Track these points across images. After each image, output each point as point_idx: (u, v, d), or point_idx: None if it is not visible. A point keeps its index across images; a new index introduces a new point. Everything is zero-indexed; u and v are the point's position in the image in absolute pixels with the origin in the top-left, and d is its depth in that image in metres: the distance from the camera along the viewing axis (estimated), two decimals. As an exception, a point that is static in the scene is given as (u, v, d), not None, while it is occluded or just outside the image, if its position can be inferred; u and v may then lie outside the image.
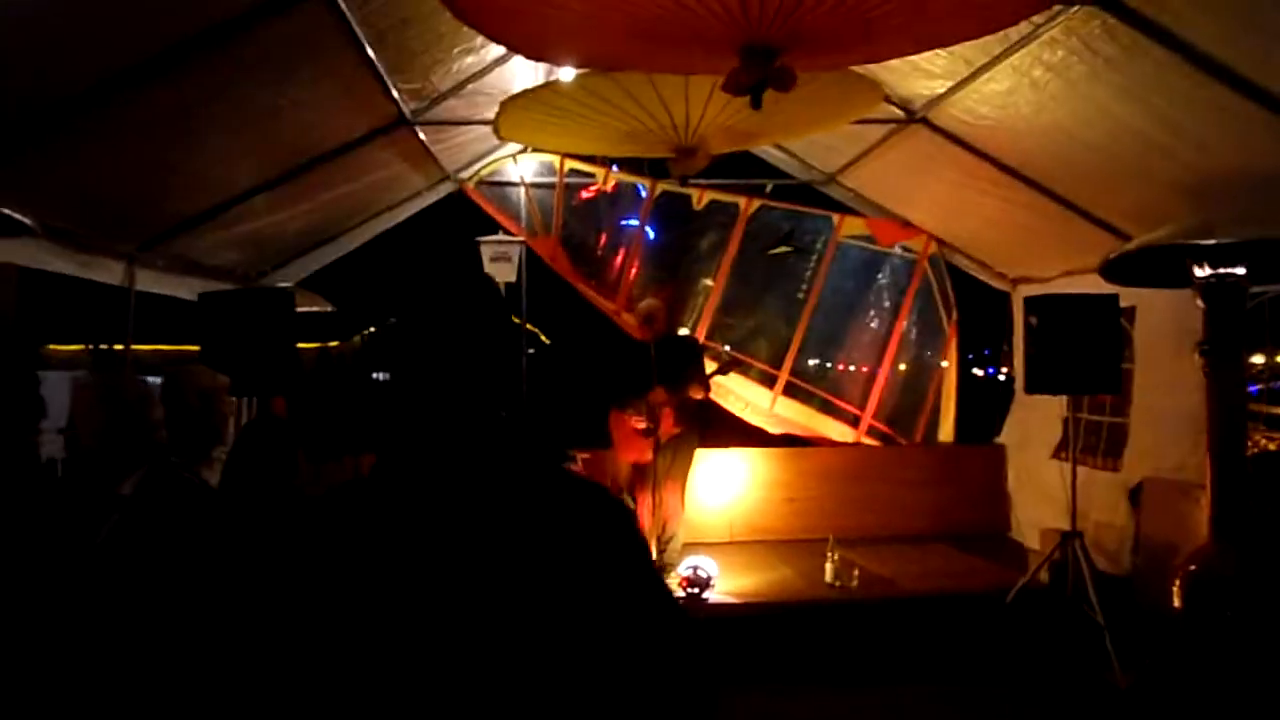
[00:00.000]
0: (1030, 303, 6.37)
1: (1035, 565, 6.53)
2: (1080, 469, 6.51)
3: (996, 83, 5.61)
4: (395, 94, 5.98)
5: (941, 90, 6.09)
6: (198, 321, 5.96)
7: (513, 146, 8.54)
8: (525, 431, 1.60)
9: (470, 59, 5.98)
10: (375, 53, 5.27)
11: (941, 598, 6.62)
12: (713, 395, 6.87)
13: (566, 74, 5.50)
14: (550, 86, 5.04)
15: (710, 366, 7.48)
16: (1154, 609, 5.96)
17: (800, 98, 4.65)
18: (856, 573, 6.82)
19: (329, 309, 7.62)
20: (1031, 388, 6.43)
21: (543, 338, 20.49)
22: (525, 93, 5.16)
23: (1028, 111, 5.73)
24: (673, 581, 6.48)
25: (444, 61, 5.88)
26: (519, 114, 5.23)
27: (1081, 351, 6.13)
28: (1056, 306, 6.26)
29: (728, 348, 8.90)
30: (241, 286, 7.52)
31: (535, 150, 8.65)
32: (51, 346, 12.24)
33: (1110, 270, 5.30)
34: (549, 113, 5.16)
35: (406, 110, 6.33)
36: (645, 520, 6.92)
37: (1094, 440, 7.56)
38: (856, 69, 4.97)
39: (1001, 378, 8.83)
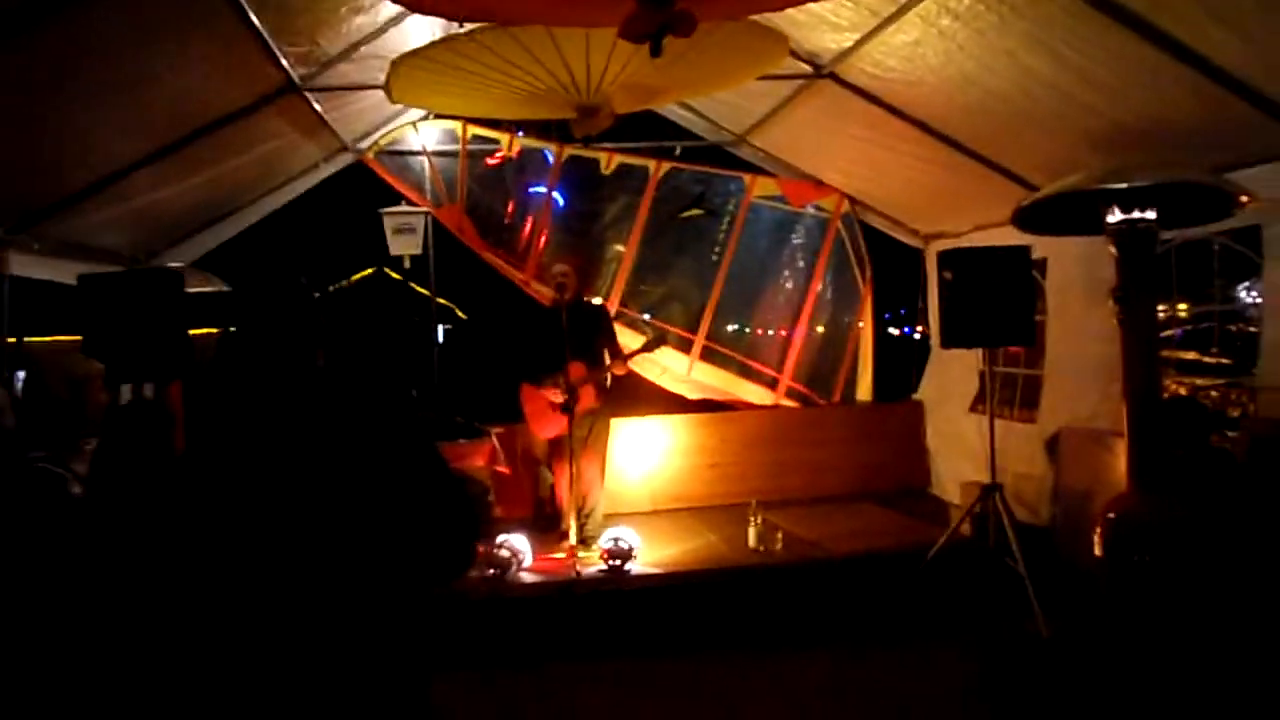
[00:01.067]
0: (943, 257, 6.36)
1: (957, 520, 6.53)
2: (998, 422, 6.52)
3: (904, 33, 5.53)
4: (281, 59, 5.68)
5: (849, 44, 5.99)
6: (77, 307, 5.63)
7: (413, 114, 8.27)
8: (348, 377, 2.32)
9: (360, 19, 5.69)
10: (255, 14, 4.96)
11: (865, 557, 6.59)
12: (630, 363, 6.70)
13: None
14: (444, 43, 4.79)
15: (635, 342, 7.37)
16: (1074, 558, 6.01)
17: (703, 50, 4.55)
18: (780, 536, 6.77)
19: (224, 289, 7.25)
20: (947, 342, 6.43)
21: (458, 312, 20.22)
22: (417, 51, 4.91)
23: (935, 63, 5.66)
24: (594, 555, 6.37)
25: (331, 23, 5.59)
26: (411, 74, 4.99)
27: (995, 304, 6.14)
28: (969, 260, 6.26)
29: (647, 316, 8.79)
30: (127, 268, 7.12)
31: (436, 117, 8.38)
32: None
33: (1022, 218, 5.26)
34: (443, 73, 4.93)
35: (295, 76, 6.04)
36: (563, 494, 6.81)
37: (1010, 393, 7.61)
38: (760, 19, 4.82)
39: (917, 336, 8.75)
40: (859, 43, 5.90)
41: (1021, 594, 5.74)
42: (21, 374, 7.40)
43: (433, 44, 4.81)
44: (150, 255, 7.80)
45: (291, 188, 8.19)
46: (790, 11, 5.59)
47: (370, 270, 18.90)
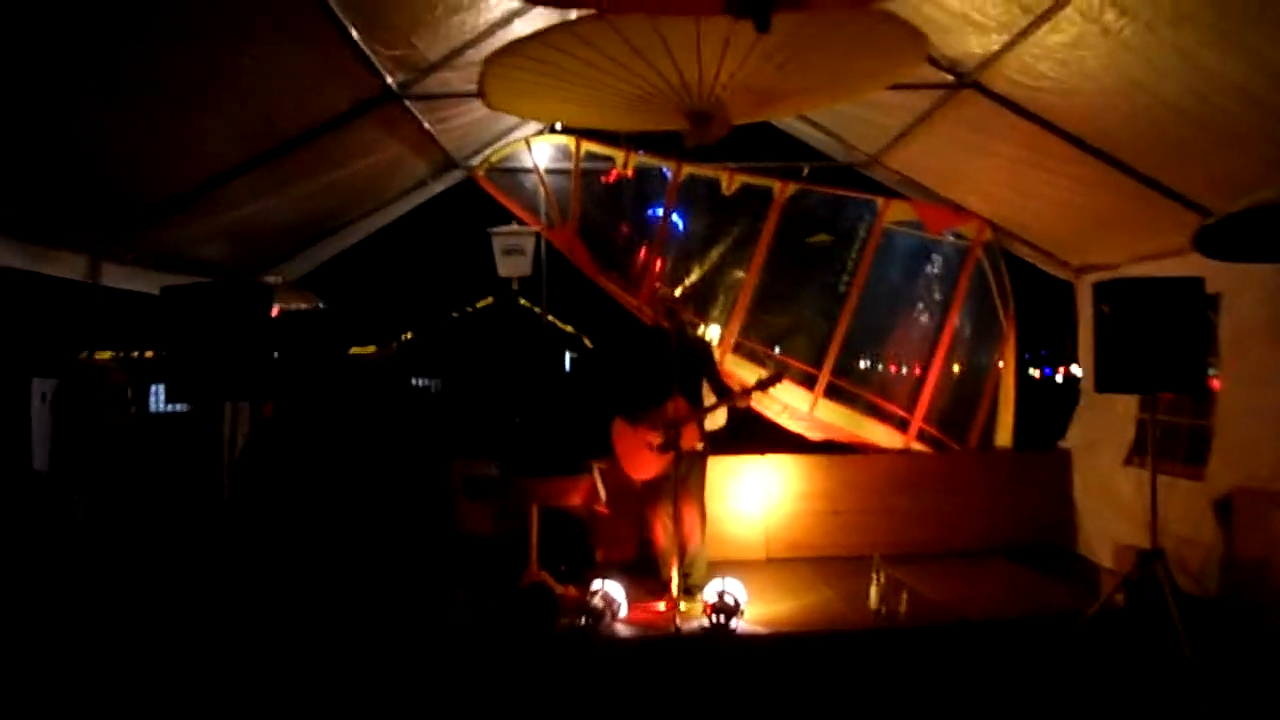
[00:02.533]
0: (1101, 289, 5.63)
1: (1110, 587, 5.74)
2: (1159, 477, 5.71)
3: (1060, 33, 4.88)
4: (375, 62, 5.37)
5: (996, 47, 5.38)
6: (159, 320, 5.40)
7: (525, 129, 8.03)
8: None
9: (460, 18, 5.33)
10: (341, 12, 4.64)
11: (1001, 624, 5.95)
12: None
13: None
14: (540, 38, 4.33)
15: (753, 376, 7.02)
16: (1250, 639, 5.18)
17: (827, 49, 4.03)
18: (905, 596, 6.24)
19: (318, 305, 7.04)
20: (1103, 385, 5.68)
21: (586, 341, 20.05)
22: (510, 47, 4.48)
23: (1096, 66, 4.99)
24: (697, 607, 5.95)
25: (428, 22, 5.26)
26: (507, 75, 4.58)
27: (1160, 344, 5.39)
28: (1132, 292, 5.52)
29: (777, 349, 8.36)
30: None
31: (549, 131, 8.10)
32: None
33: (1206, 239, 4.50)
34: (541, 72, 4.50)
35: (392, 82, 5.73)
36: (662, 540, 6.41)
37: (1171, 445, 6.79)
38: (894, 10, 4.24)
39: (1059, 379, 7.94)
40: (1008, 46, 5.28)
41: (1185, 677, 4.95)
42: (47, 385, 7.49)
43: (527, 38, 4.35)
44: (252, 271, 7.62)
45: (399, 205, 7.97)
46: (929, 12, 5.04)
47: (490, 299, 18.90)
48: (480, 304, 20.19)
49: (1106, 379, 5.64)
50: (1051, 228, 7.84)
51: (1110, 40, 4.70)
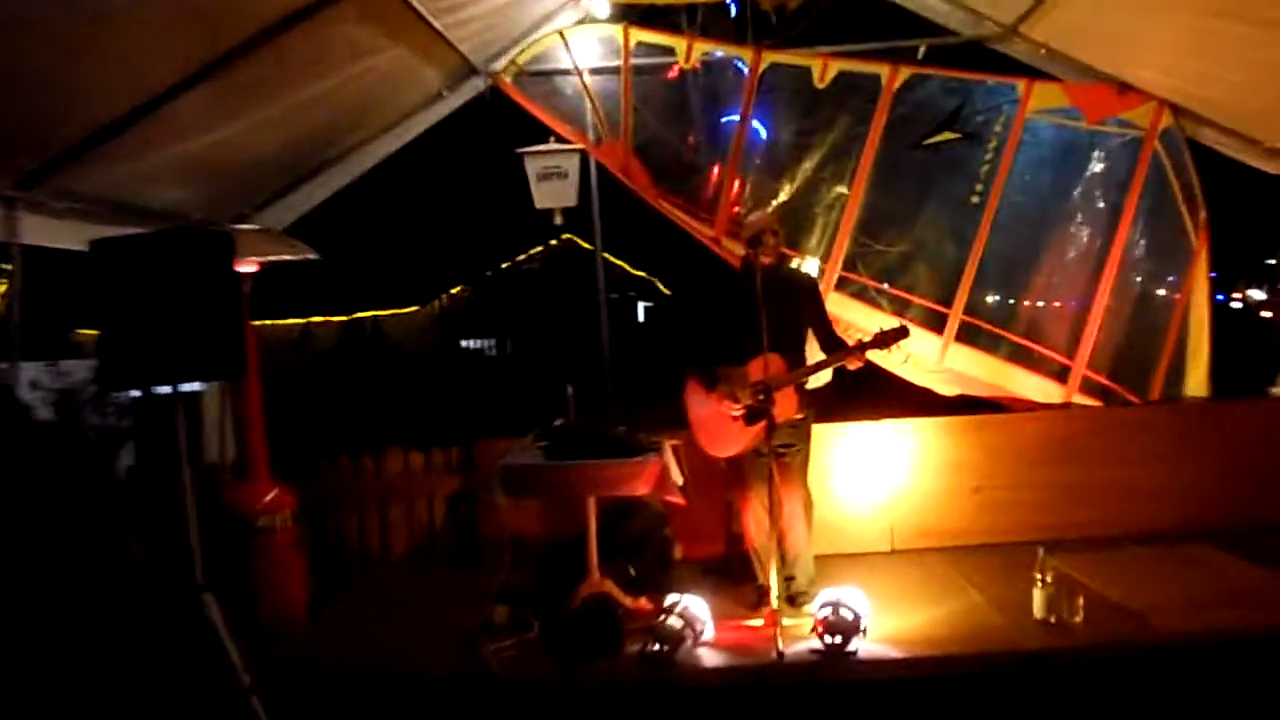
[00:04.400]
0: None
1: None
2: None
3: None
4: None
5: None
6: (88, 282, 4.19)
7: (560, 19, 6.96)
8: None
9: None
10: None
11: (1221, 644, 4.67)
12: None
13: None
14: None
15: (864, 319, 6.60)
16: None
17: None
18: (1081, 602, 5.06)
19: (310, 256, 5.97)
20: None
21: (660, 286, 18.69)
22: None
23: None
24: (804, 623, 5.06)
25: None
26: None
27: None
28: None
29: (887, 285, 7.24)
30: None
31: (591, 21, 7.01)
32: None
33: None
34: None
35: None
36: (754, 536, 5.52)
37: None
38: None
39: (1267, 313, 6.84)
40: None
41: None
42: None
43: None
44: (236, 219, 6.56)
45: (410, 126, 6.98)
46: None
47: (555, 242, 17.65)
48: (536, 250, 19.04)
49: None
50: (1257, 103, 6.47)
51: None
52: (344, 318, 16.98)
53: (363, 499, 6.65)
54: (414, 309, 18.91)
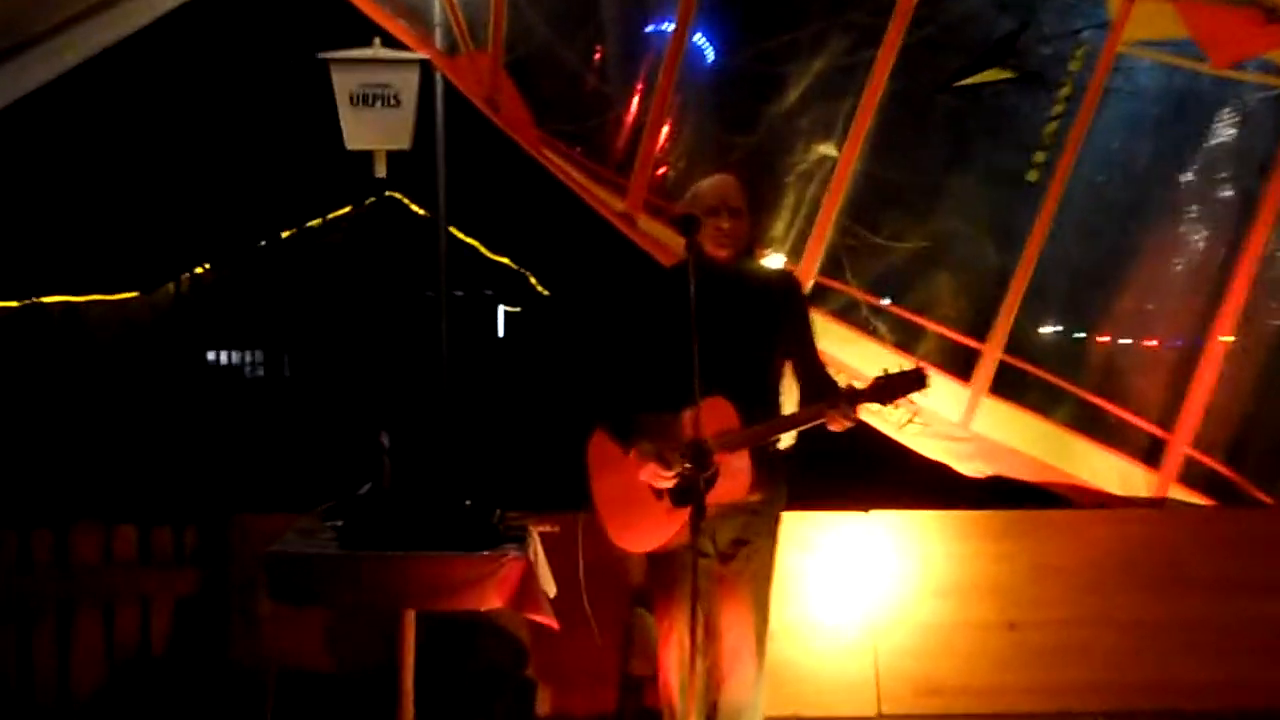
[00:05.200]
0: None
1: None
2: None
3: None
4: None
5: None
6: None
7: None
8: None
9: None
10: None
11: None
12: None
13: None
14: None
15: (856, 356, 5.59)
16: None
17: None
18: None
19: None
20: None
21: (534, 283, 15.99)
22: None
23: None
24: None
25: None
26: None
27: None
28: None
29: (886, 302, 6.25)
30: None
31: None
32: None
33: None
34: None
35: None
36: (673, 678, 4.12)
37: None
38: None
39: None
40: None
41: None
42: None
43: None
44: None
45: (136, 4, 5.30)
46: None
47: (371, 200, 14.67)
48: (340, 212, 15.98)
49: None
50: None
51: None
52: (14, 303, 13.49)
53: (30, 603, 5.00)
54: (132, 295, 15.48)
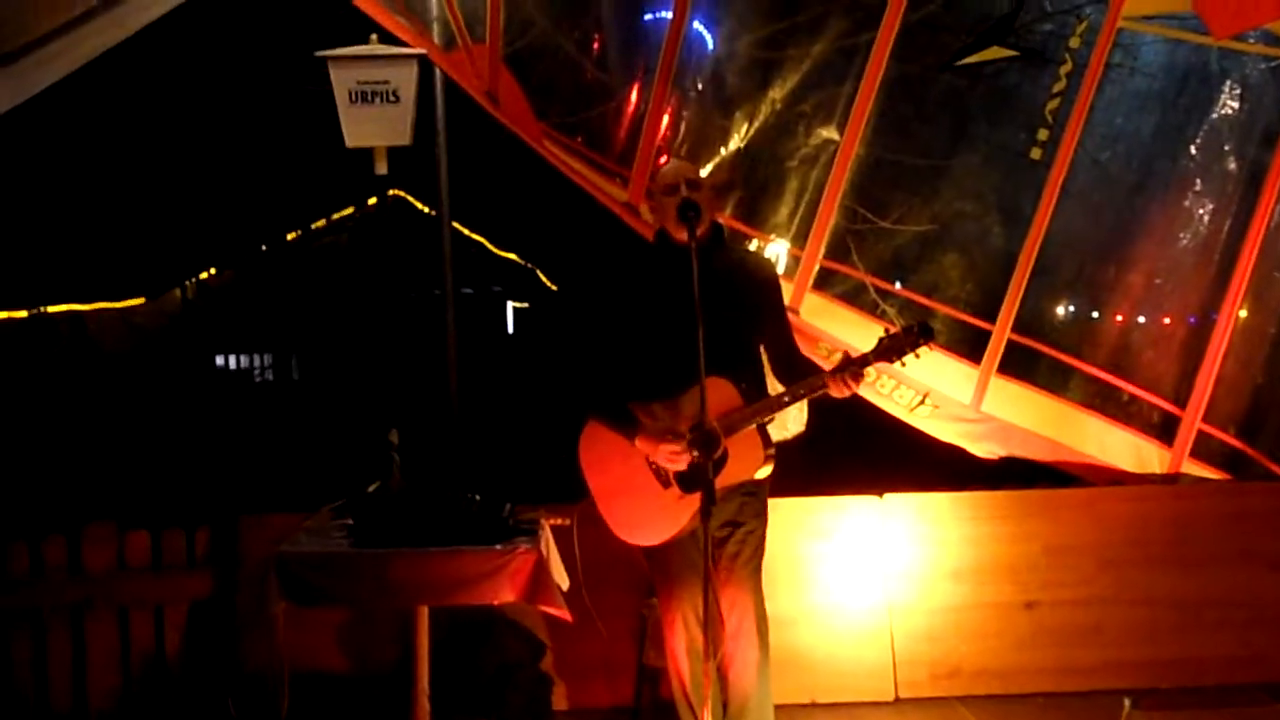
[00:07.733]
0: None
1: None
2: None
3: None
4: None
5: None
6: None
7: None
8: None
9: None
10: None
11: None
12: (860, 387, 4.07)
13: None
14: None
15: (850, 332, 5.60)
16: None
17: None
18: None
19: None
20: None
21: (542, 278, 16.18)
22: None
23: None
24: None
25: None
26: None
27: None
28: None
29: (898, 285, 6.37)
30: None
31: None
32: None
33: None
34: None
35: None
36: (683, 666, 4.23)
37: None
38: None
39: None
40: None
41: None
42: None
43: None
44: None
45: (133, 6, 5.14)
46: None
47: (374, 201, 14.70)
48: (344, 213, 16.04)
49: None
50: None
51: None
52: (22, 313, 13.71)
53: (45, 610, 5.02)
54: (139, 301, 15.78)
